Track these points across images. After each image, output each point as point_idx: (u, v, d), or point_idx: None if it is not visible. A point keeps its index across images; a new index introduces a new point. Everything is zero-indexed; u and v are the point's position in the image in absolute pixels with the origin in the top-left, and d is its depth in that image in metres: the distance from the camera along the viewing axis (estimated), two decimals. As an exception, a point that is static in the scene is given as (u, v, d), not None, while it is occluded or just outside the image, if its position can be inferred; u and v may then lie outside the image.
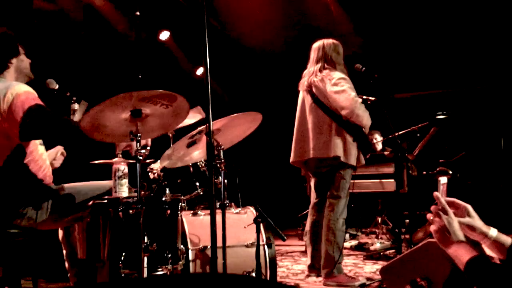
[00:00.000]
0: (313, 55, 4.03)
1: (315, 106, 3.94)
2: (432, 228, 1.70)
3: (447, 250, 1.65)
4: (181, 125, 3.11)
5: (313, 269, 4.06)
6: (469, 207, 1.71)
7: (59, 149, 3.08)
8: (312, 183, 4.25)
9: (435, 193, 1.71)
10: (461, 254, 1.59)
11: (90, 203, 2.70)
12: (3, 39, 2.85)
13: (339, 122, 3.84)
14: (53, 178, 2.92)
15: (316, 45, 4.05)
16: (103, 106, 2.36)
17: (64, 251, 2.98)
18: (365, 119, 3.80)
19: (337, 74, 3.85)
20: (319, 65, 3.94)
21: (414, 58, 6.91)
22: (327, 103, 3.87)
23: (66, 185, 2.90)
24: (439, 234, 1.67)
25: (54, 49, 5.07)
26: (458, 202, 1.73)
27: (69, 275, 2.93)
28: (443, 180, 1.84)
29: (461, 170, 4.95)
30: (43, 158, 2.85)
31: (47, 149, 2.96)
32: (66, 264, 2.95)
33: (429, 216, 1.72)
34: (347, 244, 5.34)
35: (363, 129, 3.91)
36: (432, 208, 1.70)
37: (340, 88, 3.78)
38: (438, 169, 4.64)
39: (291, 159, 4.11)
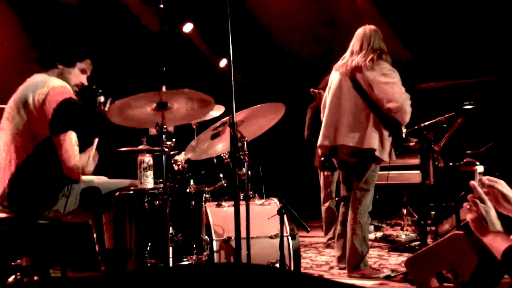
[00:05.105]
0: (362, 40, 3.81)
1: (354, 93, 3.78)
2: (469, 217, 1.70)
3: (484, 239, 1.66)
4: (205, 118, 3.13)
5: (343, 260, 3.94)
6: (503, 182, 1.72)
7: (92, 153, 3.05)
8: (340, 175, 4.18)
9: (472, 182, 1.70)
10: (499, 243, 1.60)
11: (117, 194, 2.74)
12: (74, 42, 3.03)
13: (377, 113, 3.73)
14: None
15: (367, 30, 3.84)
16: (128, 100, 2.40)
17: (95, 235, 3.00)
18: (409, 116, 3.71)
19: (388, 65, 3.75)
20: (371, 53, 3.75)
21: (440, 47, 6.79)
22: (370, 92, 3.73)
23: (88, 179, 2.94)
24: (476, 223, 1.67)
25: (78, 43, 5.13)
26: (492, 180, 1.73)
27: (99, 258, 2.96)
28: (480, 169, 1.86)
29: (489, 161, 4.85)
30: (74, 149, 2.89)
31: (79, 141, 2.98)
32: (97, 247, 2.98)
33: (466, 205, 1.71)
34: (371, 236, 5.30)
35: (402, 126, 3.84)
36: (469, 197, 1.70)
37: (390, 80, 3.67)
38: (465, 160, 4.55)
39: (319, 142, 3.96)
